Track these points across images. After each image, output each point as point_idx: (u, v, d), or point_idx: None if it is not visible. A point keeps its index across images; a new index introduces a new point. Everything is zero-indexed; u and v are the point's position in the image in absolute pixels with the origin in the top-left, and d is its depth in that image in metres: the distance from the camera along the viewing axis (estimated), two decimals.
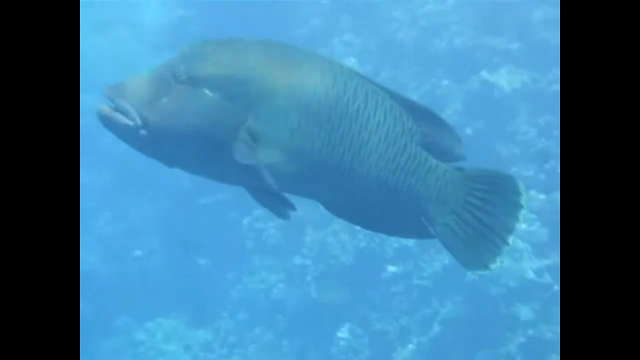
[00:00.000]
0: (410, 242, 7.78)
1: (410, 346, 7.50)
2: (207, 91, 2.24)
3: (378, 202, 2.36)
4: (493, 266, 2.33)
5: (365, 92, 2.30)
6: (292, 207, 2.33)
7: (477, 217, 2.33)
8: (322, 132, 2.27)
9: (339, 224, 8.24)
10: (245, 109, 2.24)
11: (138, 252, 10.71)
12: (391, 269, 7.78)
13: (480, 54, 7.99)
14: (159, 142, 2.27)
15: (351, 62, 8.89)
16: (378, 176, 2.32)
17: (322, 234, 8.22)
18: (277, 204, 2.33)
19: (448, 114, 7.79)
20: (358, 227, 2.52)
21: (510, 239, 2.32)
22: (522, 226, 2.38)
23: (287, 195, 2.34)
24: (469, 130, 7.55)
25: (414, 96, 8.18)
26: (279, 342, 8.41)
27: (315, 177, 2.32)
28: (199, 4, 9.95)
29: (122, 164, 11.06)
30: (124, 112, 2.26)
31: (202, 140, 2.24)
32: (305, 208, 8.27)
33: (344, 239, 8.11)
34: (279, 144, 2.26)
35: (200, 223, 9.44)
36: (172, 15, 10.28)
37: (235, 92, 2.24)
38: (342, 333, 7.86)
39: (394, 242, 7.82)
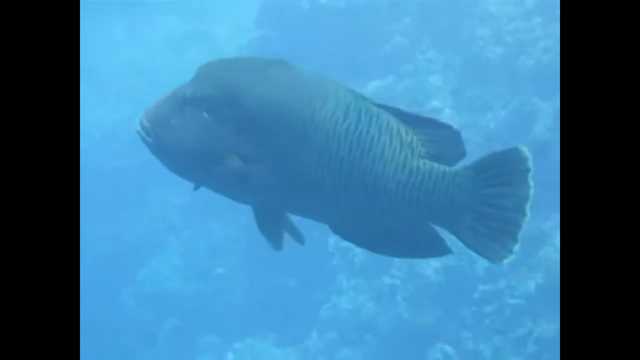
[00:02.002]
0: None
1: None
2: (204, 113, 2.26)
3: (384, 223, 2.28)
4: (515, 247, 2.25)
5: (358, 110, 2.24)
6: (299, 238, 2.40)
7: (499, 206, 2.24)
8: (310, 153, 2.23)
9: None
10: (235, 132, 2.25)
11: (220, 270, 10.77)
12: (482, 287, 7.73)
13: None
14: (172, 161, 2.33)
15: (435, 79, 8.87)
16: (378, 196, 2.25)
17: None
18: (275, 231, 2.37)
19: (538, 132, 7.73)
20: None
21: (527, 207, 2.22)
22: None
23: (301, 219, 2.35)
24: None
25: (501, 114, 8.13)
26: None
27: (310, 199, 2.28)
28: (279, 24, 9.97)
29: None
30: (146, 131, 2.33)
31: (202, 163, 2.28)
32: None
33: (433, 258, 8.07)
34: (269, 166, 2.25)
35: (284, 242, 9.47)
36: (251, 35, 10.32)
37: (226, 114, 2.25)
38: (434, 353, 7.82)
39: (484, 261, 7.75)
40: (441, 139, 2.27)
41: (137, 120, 2.37)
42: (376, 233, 2.31)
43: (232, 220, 10.60)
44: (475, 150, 8.26)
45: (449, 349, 7.81)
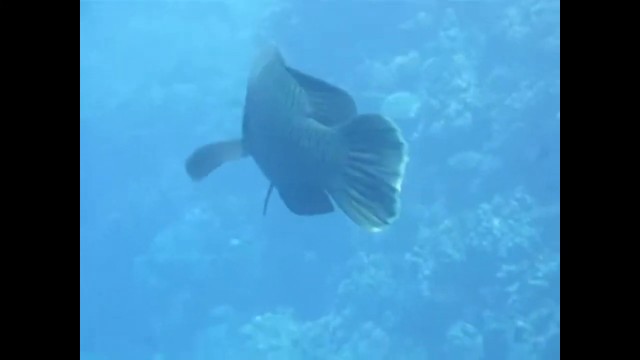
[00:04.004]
0: (525, 242, 7.78)
1: (526, 347, 7.50)
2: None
3: (290, 180, 2.35)
4: (391, 219, 2.18)
5: (271, 71, 2.34)
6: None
7: (364, 171, 2.22)
8: (251, 114, 2.42)
9: (450, 222, 8.26)
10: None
11: (235, 242, 10.80)
12: (505, 267, 7.77)
13: None
14: None
15: (458, 58, 8.87)
16: (277, 153, 2.33)
17: (434, 231, 8.24)
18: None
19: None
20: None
21: (398, 183, 2.18)
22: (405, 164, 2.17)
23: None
24: None
25: (528, 94, 8.15)
26: (389, 338, 8.45)
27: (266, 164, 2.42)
28: None
29: None
30: None
31: None
32: (416, 206, 8.25)
33: (455, 237, 8.12)
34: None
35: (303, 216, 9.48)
36: (272, 8, 10.28)
37: None
38: (455, 331, 7.88)
39: (508, 241, 7.82)
40: (333, 102, 2.29)
41: None
42: (291, 191, 2.37)
43: (249, 191, 10.62)
44: (500, 130, 8.22)
45: (470, 327, 7.87)
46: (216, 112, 11.84)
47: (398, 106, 8.84)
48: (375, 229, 2.18)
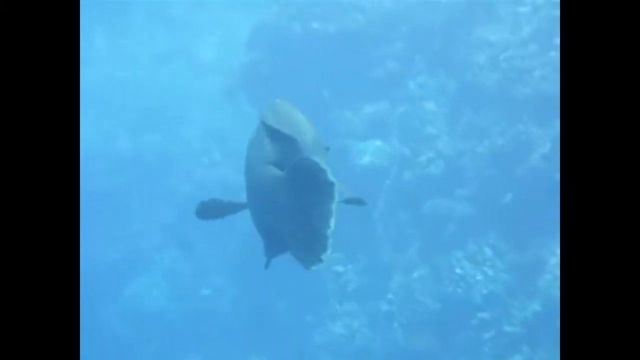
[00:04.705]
0: (499, 289, 7.79)
1: None
2: None
3: (266, 225, 2.53)
4: (324, 256, 2.33)
5: (257, 131, 2.57)
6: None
7: (307, 213, 2.35)
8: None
9: (424, 269, 8.26)
10: None
11: (206, 291, 10.72)
12: (480, 314, 7.77)
13: None
14: None
15: (429, 105, 8.89)
16: (252, 200, 2.53)
17: (408, 279, 8.23)
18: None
19: (535, 159, 7.78)
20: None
21: (332, 222, 2.32)
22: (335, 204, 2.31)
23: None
24: (558, 176, 7.52)
25: (499, 141, 8.17)
26: None
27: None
28: (270, 47, 9.91)
29: (188, 202, 11.09)
30: None
31: None
32: (389, 254, 8.19)
33: (430, 284, 8.11)
34: None
35: (274, 264, 9.43)
36: (242, 58, 10.27)
37: None
38: None
39: (482, 288, 7.82)
40: (288, 148, 2.47)
41: None
42: (268, 236, 2.57)
43: (219, 241, 10.58)
44: (472, 177, 8.23)
45: None
46: (184, 161, 11.82)
47: (369, 154, 8.85)
48: (313, 267, 2.33)
